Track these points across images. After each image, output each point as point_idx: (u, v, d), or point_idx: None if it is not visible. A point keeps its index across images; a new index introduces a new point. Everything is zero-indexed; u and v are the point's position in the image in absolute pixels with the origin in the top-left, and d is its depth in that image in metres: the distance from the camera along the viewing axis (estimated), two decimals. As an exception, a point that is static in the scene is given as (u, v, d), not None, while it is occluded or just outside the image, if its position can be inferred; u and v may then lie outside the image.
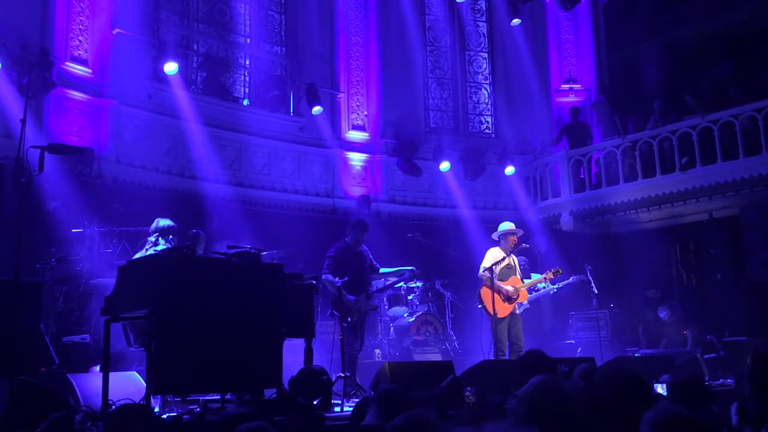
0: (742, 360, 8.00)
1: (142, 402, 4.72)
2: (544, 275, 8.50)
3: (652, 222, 12.60)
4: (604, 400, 2.75)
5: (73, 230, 7.92)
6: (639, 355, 9.27)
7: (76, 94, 9.53)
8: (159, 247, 6.08)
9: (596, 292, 9.85)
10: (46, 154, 5.19)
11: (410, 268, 8.10)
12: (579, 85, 14.07)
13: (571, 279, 9.41)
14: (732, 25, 13.09)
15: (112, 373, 5.11)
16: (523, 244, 8.57)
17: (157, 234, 6.29)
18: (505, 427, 2.69)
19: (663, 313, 10.46)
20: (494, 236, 8.40)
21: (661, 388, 5.49)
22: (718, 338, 9.83)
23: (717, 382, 7.57)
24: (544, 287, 9.23)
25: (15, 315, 5.26)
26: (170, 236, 6.28)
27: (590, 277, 9.74)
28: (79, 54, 9.68)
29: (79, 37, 9.71)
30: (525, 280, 8.48)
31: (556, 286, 9.32)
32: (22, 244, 4.85)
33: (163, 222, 6.35)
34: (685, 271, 12.88)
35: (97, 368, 6.17)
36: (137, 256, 6.13)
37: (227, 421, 3.26)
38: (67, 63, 9.49)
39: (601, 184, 12.51)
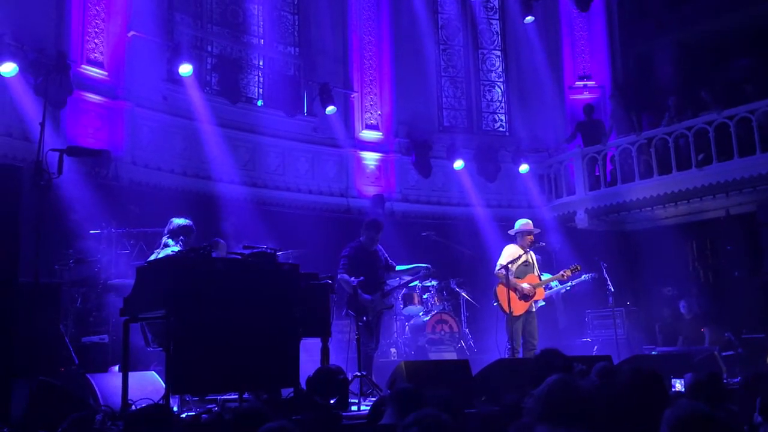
0: (760, 357, 7.97)
1: (161, 401, 4.76)
2: (561, 272, 8.42)
3: (668, 219, 12.51)
4: (622, 399, 2.75)
5: (91, 232, 7.99)
6: (656, 353, 9.22)
7: (92, 97, 9.62)
8: (169, 250, 5.99)
9: (612, 290, 9.80)
10: (64, 156, 5.23)
11: (425, 265, 8.08)
12: (593, 82, 13.99)
13: (583, 277, 9.37)
14: (746, 21, 12.96)
15: (131, 373, 5.15)
16: (540, 243, 8.53)
17: (167, 236, 6.17)
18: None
19: (685, 309, 10.46)
20: (511, 232, 8.38)
21: (679, 384, 5.47)
22: (735, 335, 9.76)
23: (735, 380, 7.51)
24: (556, 285, 9.19)
25: (35, 316, 5.32)
26: (181, 237, 6.10)
27: (606, 275, 9.69)
28: (95, 57, 9.77)
29: (95, 40, 9.79)
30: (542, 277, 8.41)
31: (569, 283, 9.27)
32: (40, 246, 4.90)
33: (177, 222, 6.19)
34: (701, 269, 12.77)
35: (116, 368, 6.22)
36: (152, 257, 6.13)
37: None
38: (83, 66, 9.57)
39: (616, 181, 12.43)
